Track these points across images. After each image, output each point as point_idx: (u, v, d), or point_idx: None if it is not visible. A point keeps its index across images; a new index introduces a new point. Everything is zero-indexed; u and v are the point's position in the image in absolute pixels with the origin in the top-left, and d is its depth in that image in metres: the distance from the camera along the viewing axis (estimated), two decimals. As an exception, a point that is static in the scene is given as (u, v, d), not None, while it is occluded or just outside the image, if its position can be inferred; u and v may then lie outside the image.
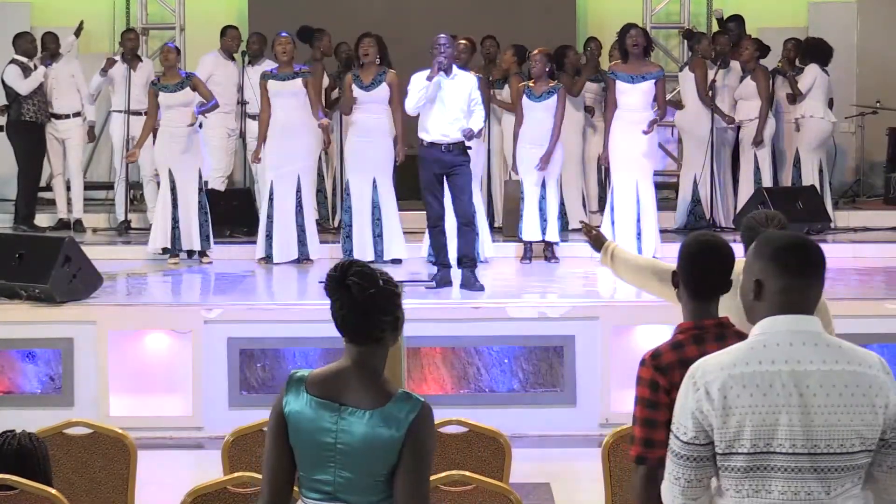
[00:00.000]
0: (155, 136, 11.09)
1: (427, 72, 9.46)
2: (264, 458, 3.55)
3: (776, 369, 3.17)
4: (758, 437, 3.15)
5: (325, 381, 3.54)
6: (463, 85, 9.55)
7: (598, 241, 5.65)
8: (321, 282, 9.81)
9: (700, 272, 3.97)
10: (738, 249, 4.12)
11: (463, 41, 11.02)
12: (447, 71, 9.45)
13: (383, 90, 10.57)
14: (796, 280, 3.25)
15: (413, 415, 3.47)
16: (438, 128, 9.43)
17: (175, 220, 10.85)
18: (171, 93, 10.81)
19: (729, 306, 4.04)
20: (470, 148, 9.65)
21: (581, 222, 5.97)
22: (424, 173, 9.52)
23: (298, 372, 3.60)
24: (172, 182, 10.84)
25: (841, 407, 3.16)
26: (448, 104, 9.44)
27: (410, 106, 9.53)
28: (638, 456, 3.77)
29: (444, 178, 9.50)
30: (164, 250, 10.95)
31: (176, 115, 10.81)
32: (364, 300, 3.51)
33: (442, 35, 9.56)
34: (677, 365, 3.78)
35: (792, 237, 3.37)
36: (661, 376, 3.79)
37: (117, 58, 12.47)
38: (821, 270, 3.31)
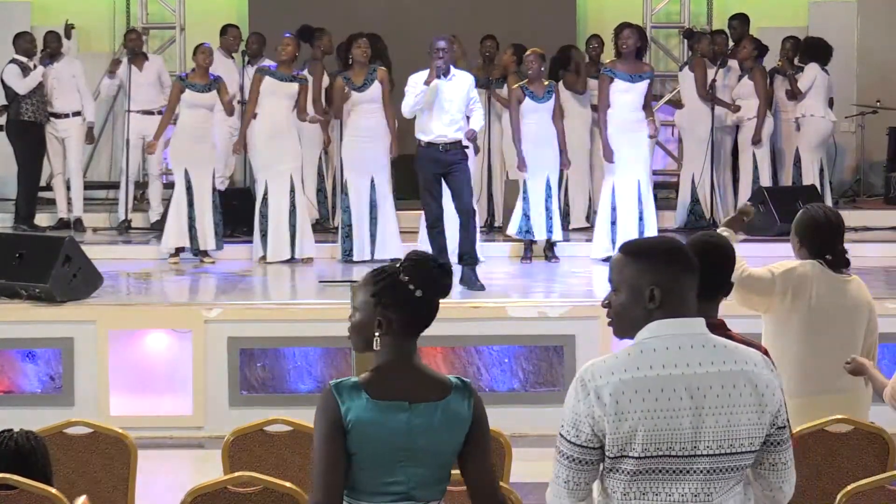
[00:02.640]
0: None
1: (425, 73, 9.46)
2: (322, 468, 3.44)
3: (667, 373, 3.17)
4: (649, 441, 3.15)
5: (385, 382, 3.49)
6: (461, 85, 9.55)
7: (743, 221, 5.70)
8: (321, 281, 9.90)
9: (704, 272, 3.95)
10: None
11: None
12: (445, 73, 9.46)
13: (376, 89, 10.59)
14: (686, 282, 3.27)
15: (473, 398, 3.54)
16: (436, 128, 9.45)
17: (191, 219, 10.84)
18: (198, 92, 10.80)
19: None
20: (468, 147, 9.66)
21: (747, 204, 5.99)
22: (423, 174, 9.53)
23: (344, 380, 3.50)
24: (188, 181, 10.83)
25: (731, 408, 3.17)
26: (446, 105, 9.46)
27: (407, 109, 9.55)
28: None
29: (443, 177, 9.51)
30: (178, 250, 10.94)
31: (198, 115, 10.82)
32: (447, 288, 3.58)
33: (440, 39, 9.56)
34: None
35: (670, 241, 3.39)
36: None
37: (122, 58, 12.44)
38: (696, 271, 3.32)
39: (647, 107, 10.85)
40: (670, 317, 3.23)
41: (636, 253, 3.31)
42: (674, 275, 3.25)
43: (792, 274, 5.39)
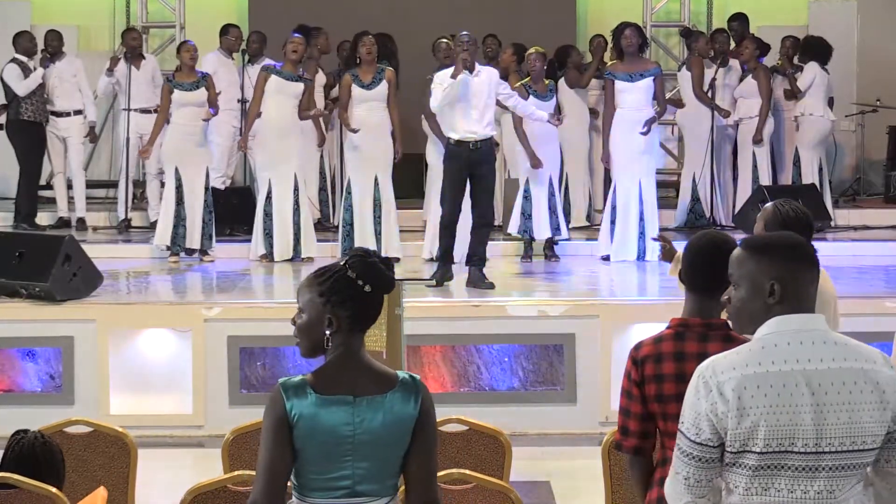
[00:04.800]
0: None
1: (450, 70, 9.43)
2: (264, 463, 3.47)
3: (789, 369, 3.18)
4: (771, 436, 3.16)
5: (330, 378, 3.52)
6: (487, 81, 9.52)
7: (669, 254, 5.64)
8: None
9: (706, 269, 3.96)
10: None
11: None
12: (470, 69, 9.42)
13: (383, 88, 10.58)
14: (807, 278, 3.28)
15: (422, 392, 3.55)
16: (465, 125, 9.40)
17: (180, 217, 10.85)
18: (186, 91, 10.82)
19: None
20: (498, 145, 9.67)
21: (660, 235, 5.90)
22: (450, 172, 9.45)
23: (290, 379, 3.54)
24: (178, 180, 10.84)
25: (852, 405, 3.18)
26: (473, 101, 9.41)
27: (436, 105, 9.50)
28: (616, 442, 3.98)
29: (469, 178, 9.44)
30: (168, 247, 10.95)
31: (189, 114, 10.83)
32: (392, 283, 3.58)
33: (464, 32, 9.55)
34: (651, 359, 3.87)
35: (791, 237, 3.41)
36: (634, 368, 3.89)
37: (121, 56, 12.42)
38: (818, 267, 3.33)
39: (659, 103, 10.79)
40: (790, 312, 3.24)
41: (757, 248, 3.31)
42: (795, 270, 3.26)
43: None
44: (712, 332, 3.90)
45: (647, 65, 10.83)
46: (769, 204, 5.39)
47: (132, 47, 12.40)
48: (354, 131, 10.58)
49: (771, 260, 3.27)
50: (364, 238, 10.71)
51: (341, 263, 3.57)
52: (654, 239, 6.14)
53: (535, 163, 10.81)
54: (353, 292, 3.52)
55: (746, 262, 3.30)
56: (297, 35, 10.99)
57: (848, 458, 3.18)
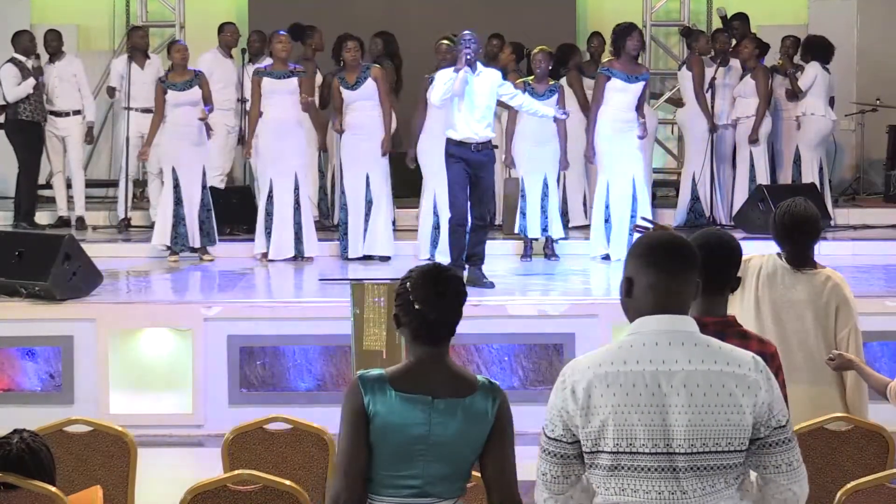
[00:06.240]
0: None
1: (452, 68, 9.43)
2: (344, 457, 3.52)
3: (640, 369, 3.19)
4: (620, 436, 3.17)
5: (410, 377, 3.57)
6: (488, 81, 9.50)
7: None
8: (321, 279, 9.91)
9: (710, 268, 3.93)
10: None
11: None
12: (472, 67, 9.39)
13: (369, 86, 10.62)
14: (664, 278, 3.27)
15: (499, 400, 3.64)
16: (467, 126, 9.37)
17: (179, 217, 10.85)
18: (179, 91, 10.82)
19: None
20: (497, 147, 9.67)
21: (643, 218, 5.87)
22: (453, 170, 9.42)
23: (369, 372, 3.59)
24: (176, 179, 10.85)
25: (703, 407, 3.16)
26: (476, 102, 9.39)
27: (436, 98, 9.46)
28: None
29: (469, 177, 9.44)
30: (168, 247, 10.95)
31: (183, 113, 10.83)
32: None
33: (467, 31, 9.54)
34: None
35: (665, 237, 3.41)
36: None
37: (118, 89, 12.39)
38: (690, 269, 3.30)
39: (639, 108, 10.83)
40: (657, 313, 3.24)
41: (633, 248, 3.36)
42: (656, 272, 3.26)
43: (742, 266, 5.32)
44: (728, 329, 3.89)
45: (641, 69, 10.92)
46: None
47: (139, 46, 12.40)
48: (339, 132, 10.69)
49: (635, 260, 3.31)
50: (356, 237, 10.76)
51: (411, 275, 3.70)
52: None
53: (508, 162, 10.90)
54: (412, 311, 3.64)
55: (626, 262, 3.36)
56: (281, 33, 11.01)
57: (701, 459, 3.17)
